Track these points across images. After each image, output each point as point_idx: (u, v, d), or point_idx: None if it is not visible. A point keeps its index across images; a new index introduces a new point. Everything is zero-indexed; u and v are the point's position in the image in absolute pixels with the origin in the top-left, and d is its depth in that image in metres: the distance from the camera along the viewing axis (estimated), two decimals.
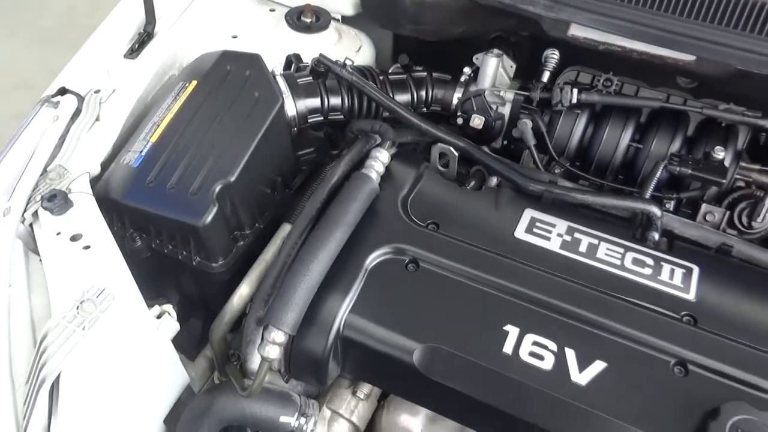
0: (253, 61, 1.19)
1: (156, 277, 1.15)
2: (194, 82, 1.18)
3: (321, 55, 1.20)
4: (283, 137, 1.16)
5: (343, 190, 1.03)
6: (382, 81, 1.29)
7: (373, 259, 1.00)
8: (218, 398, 1.00)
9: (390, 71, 1.36)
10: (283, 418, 1.02)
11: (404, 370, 0.92)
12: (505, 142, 1.29)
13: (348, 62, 1.21)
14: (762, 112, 1.11)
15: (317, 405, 1.05)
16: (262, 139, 1.08)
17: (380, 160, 1.08)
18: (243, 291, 1.07)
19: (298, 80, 1.21)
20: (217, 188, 1.03)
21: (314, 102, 1.21)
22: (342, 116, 1.25)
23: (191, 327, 1.26)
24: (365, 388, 1.07)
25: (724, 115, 1.10)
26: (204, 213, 1.01)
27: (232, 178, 1.04)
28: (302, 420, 1.03)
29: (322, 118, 1.23)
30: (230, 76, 1.17)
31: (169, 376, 1.04)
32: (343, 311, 0.95)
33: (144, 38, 1.30)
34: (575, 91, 1.15)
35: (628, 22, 1.10)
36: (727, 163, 1.11)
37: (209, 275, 1.09)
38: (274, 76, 1.19)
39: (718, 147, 1.08)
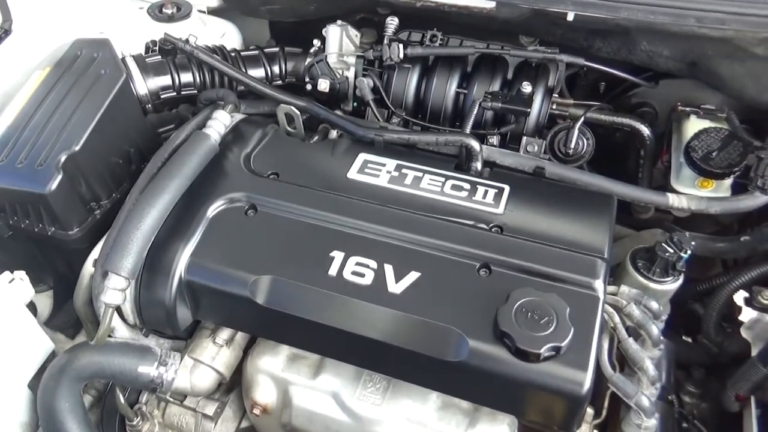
0: (102, 45, 1.26)
1: (31, 262, 1.20)
2: (47, 69, 1.24)
3: (165, 33, 1.28)
4: (131, 111, 1.23)
5: (181, 147, 1.10)
6: (234, 57, 1.38)
7: (214, 208, 1.07)
8: (75, 355, 1.04)
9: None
10: (142, 369, 1.07)
11: (244, 303, 0.99)
12: (355, 104, 1.39)
13: (192, 38, 1.29)
14: (561, 50, 1.24)
15: (179, 356, 1.11)
16: (107, 112, 1.15)
17: (219, 120, 1.15)
18: (96, 254, 1.13)
19: (147, 60, 1.29)
20: (62, 158, 1.09)
21: (165, 79, 1.29)
22: (196, 91, 1.32)
23: (71, 308, 1.31)
24: (224, 334, 1.13)
25: (526, 53, 1.23)
26: (49, 181, 1.07)
27: (77, 148, 1.10)
28: (162, 369, 1.08)
29: (175, 94, 1.31)
30: (79, 60, 1.23)
31: (29, 341, 1.08)
32: (183, 257, 1.01)
33: (0, 35, 1.36)
34: (401, 46, 1.25)
35: None
36: (538, 98, 1.23)
37: (68, 244, 1.14)
38: (124, 59, 1.26)
39: (525, 83, 1.20)
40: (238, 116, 1.25)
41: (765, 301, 1.02)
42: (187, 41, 1.28)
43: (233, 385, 1.23)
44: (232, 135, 1.21)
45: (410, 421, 1.03)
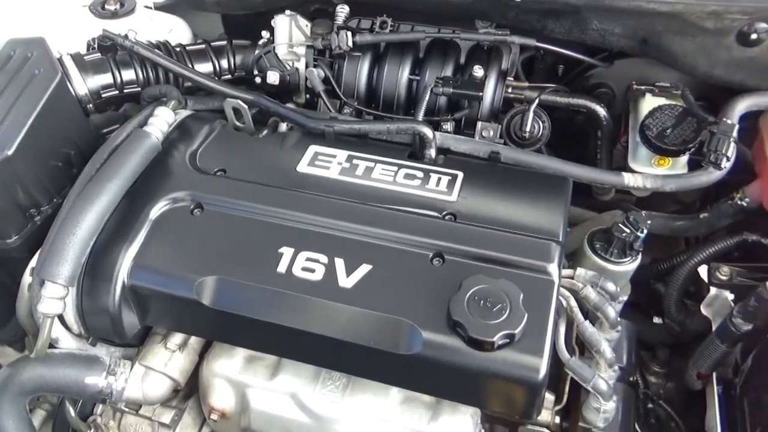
0: (36, 43, 1.20)
1: None
2: None
3: (104, 29, 1.23)
4: (70, 112, 1.18)
5: (120, 147, 1.06)
6: (180, 52, 1.33)
7: (158, 209, 1.03)
8: (17, 369, 0.99)
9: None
10: (89, 380, 1.02)
11: (190, 306, 0.96)
12: (308, 96, 1.35)
13: (131, 34, 1.24)
14: (515, 32, 1.22)
15: (129, 364, 1.07)
16: (42, 114, 1.09)
17: (161, 117, 1.11)
18: (34, 262, 1.08)
19: (86, 58, 1.23)
20: None
21: (105, 77, 1.24)
22: (140, 89, 1.27)
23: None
24: (176, 339, 1.09)
25: (476, 36, 1.21)
26: None
27: (10, 152, 1.05)
28: (111, 379, 1.04)
29: (117, 92, 1.25)
30: (12, 60, 1.17)
31: None
32: (125, 261, 0.97)
33: None
34: (350, 34, 1.22)
35: None
36: (491, 82, 1.21)
37: (7, 253, 1.09)
38: (61, 58, 1.21)
39: (476, 66, 1.17)
40: (184, 113, 1.21)
41: (723, 278, 1.02)
42: (126, 37, 1.23)
43: (192, 391, 1.19)
44: (178, 132, 1.16)
45: (371, 418, 1.00)
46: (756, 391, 0.89)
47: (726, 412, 0.95)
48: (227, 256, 0.97)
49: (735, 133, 1.04)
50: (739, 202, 1.14)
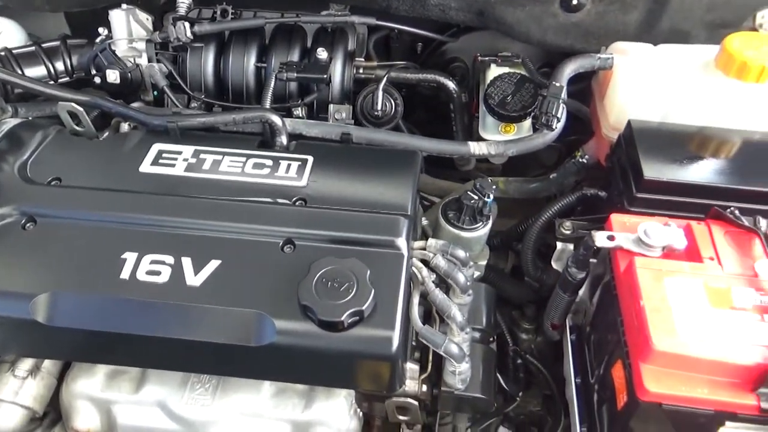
0: None
1: None
2: None
3: None
4: None
5: None
6: (4, 57, 1.23)
7: None
8: None
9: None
10: None
11: (28, 327, 0.88)
12: (155, 93, 1.29)
13: None
14: (362, 12, 1.22)
15: None
16: None
17: None
18: None
19: None
20: None
21: None
22: None
23: None
24: (25, 365, 1.02)
25: (317, 18, 1.21)
26: None
27: None
28: None
29: None
30: None
31: None
32: None
33: None
34: (187, 25, 1.17)
35: None
36: (338, 64, 1.20)
37: None
38: None
39: (319, 49, 1.17)
40: (12, 121, 1.12)
41: (567, 232, 1.08)
42: None
43: (59, 417, 1.11)
44: (5, 142, 1.07)
45: (245, 415, 0.98)
46: (597, 333, 0.96)
47: (578, 357, 1.01)
48: (65, 269, 0.91)
49: (564, 95, 1.10)
50: (580, 160, 1.21)
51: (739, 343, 0.75)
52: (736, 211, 0.90)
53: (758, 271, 0.82)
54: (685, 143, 1.06)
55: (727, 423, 0.76)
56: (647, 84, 1.10)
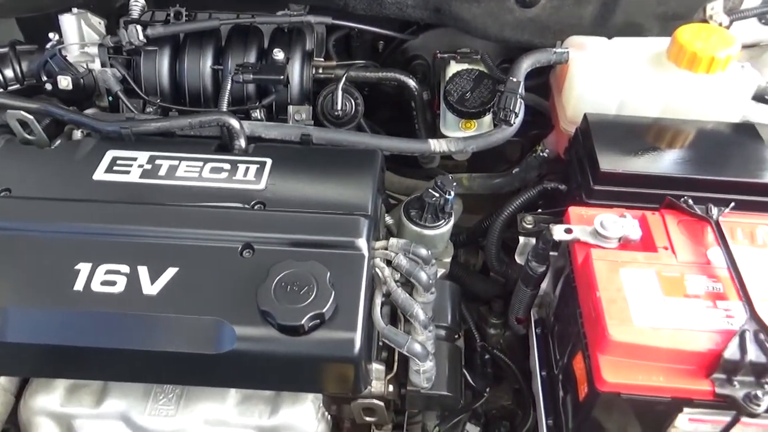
0: None
1: None
2: None
3: None
4: None
5: None
6: None
7: None
8: None
9: None
10: None
11: None
12: (110, 98, 1.26)
13: None
14: (320, 12, 1.21)
15: None
16: None
17: None
18: None
19: None
20: None
21: None
22: None
23: None
24: None
25: (273, 19, 1.19)
26: None
27: None
28: None
29: None
30: None
31: None
32: None
33: None
34: (140, 28, 1.15)
35: None
36: (296, 64, 1.19)
37: None
38: None
39: (276, 49, 1.15)
40: None
41: (528, 226, 1.08)
42: None
43: None
44: None
45: (210, 424, 0.96)
46: (560, 325, 0.97)
47: (543, 350, 1.02)
48: (13, 284, 0.88)
49: (522, 90, 1.10)
50: (541, 154, 1.22)
51: (692, 330, 0.76)
52: (690, 200, 0.92)
53: (710, 259, 0.84)
54: (640, 135, 1.07)
55: (685, 409, 0.77)
56: (602, 77, 1.11)
